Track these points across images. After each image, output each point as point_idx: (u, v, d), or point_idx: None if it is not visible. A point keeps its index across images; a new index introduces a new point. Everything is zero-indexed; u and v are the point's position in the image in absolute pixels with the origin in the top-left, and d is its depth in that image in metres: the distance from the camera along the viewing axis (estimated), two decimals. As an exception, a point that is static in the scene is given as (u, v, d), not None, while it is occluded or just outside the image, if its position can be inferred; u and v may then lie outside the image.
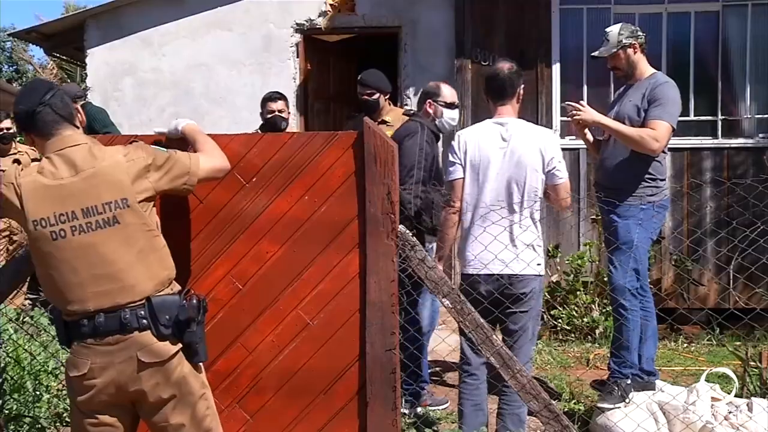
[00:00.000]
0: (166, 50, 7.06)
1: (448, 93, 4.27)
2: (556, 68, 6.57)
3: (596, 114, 3.98)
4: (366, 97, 4.86)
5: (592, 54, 4.19)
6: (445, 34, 6.77)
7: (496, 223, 3.35)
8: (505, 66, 3.51)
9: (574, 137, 5.10)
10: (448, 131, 4.40)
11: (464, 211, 3.44)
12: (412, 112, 4.87)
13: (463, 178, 3.44)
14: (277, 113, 5.11)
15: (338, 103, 7.97)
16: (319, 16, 6.95)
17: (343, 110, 8.05)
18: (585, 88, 6.55)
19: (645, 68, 4.06)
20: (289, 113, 5.24)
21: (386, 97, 4.98)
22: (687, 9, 6.57)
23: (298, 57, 7.03)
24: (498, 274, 3.34)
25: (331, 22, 6.94)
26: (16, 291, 5.36)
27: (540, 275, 3.46)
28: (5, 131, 6.24)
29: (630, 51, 4.01)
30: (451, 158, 3.47)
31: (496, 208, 3.35)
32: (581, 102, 4.05)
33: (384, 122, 4.87)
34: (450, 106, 4.23)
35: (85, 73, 7.34)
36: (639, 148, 3.86)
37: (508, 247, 3.34)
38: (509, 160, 3.38)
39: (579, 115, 3.98)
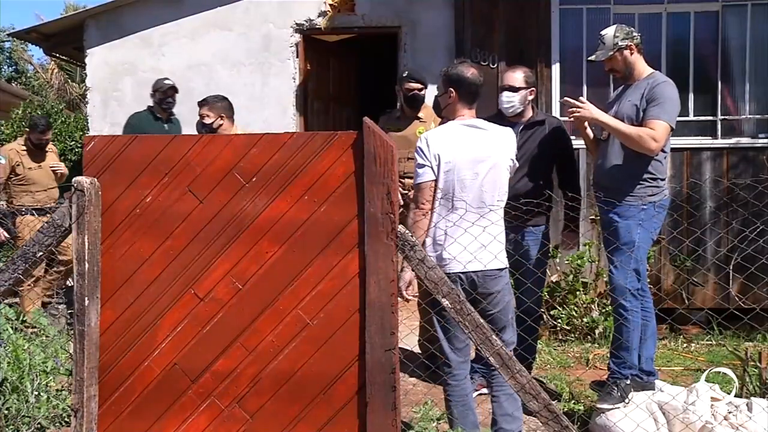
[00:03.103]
0: (165, 50, 7.06)
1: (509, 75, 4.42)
2: (555, 68, 6.57)
3: (596, 111, 3.96)
4: (417, 92, 5.02)
5: (589, 58, 4.16)
6: (444, 34, 6.77)
7: (475, 223, 3.35)
8: (477, 72, 3.53)
9: (573, 137, 5.09)
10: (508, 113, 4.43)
11: (437, 213, 3.42)
12: None
13: (435, 180, 3.39)
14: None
15: (338, 103, 7.97)
16: (318, 16, 6.94)
17: (342, 110, 8.06)
18: (585, 88, 6.55)
19: (643, 68, 4.04)
20: None
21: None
22: (687, 9, 6.57)
23: (297, 57, 7.03)
24: (473, 272, 3.37)
25: (330, 22, 6.94)
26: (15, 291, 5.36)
27: (507, 267, 3.52)
28: (44, 141, 6.72)
29: (627, 52, 4.00)
30: (420, 160, 3.41)
31: (472, 209, 3.35)
32: (581, 98, 4.03)
33: (418, 118, 5.03)
34: (510, 89, 4.35)
35: (85, 73, 7.33)
36: (637, 147, 3.85)
37: (483, 246, 3.35)
38: (484, 163, 3.37)
39: (579, 112, 3.97)
